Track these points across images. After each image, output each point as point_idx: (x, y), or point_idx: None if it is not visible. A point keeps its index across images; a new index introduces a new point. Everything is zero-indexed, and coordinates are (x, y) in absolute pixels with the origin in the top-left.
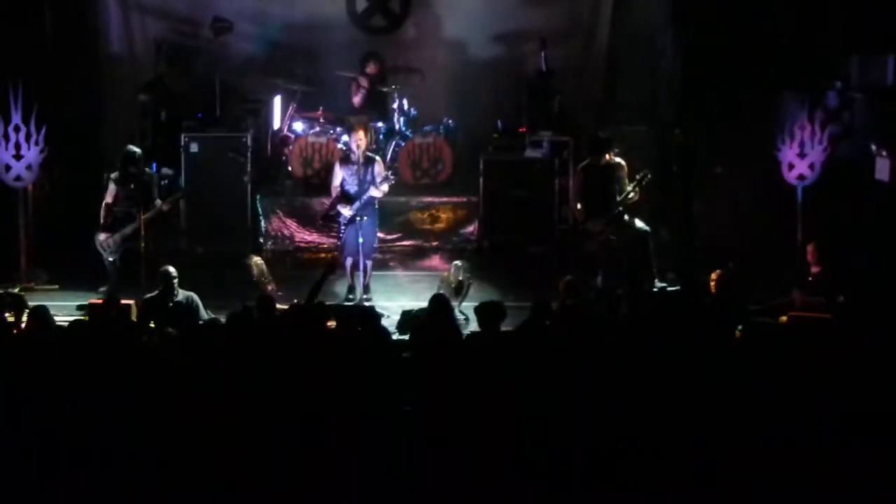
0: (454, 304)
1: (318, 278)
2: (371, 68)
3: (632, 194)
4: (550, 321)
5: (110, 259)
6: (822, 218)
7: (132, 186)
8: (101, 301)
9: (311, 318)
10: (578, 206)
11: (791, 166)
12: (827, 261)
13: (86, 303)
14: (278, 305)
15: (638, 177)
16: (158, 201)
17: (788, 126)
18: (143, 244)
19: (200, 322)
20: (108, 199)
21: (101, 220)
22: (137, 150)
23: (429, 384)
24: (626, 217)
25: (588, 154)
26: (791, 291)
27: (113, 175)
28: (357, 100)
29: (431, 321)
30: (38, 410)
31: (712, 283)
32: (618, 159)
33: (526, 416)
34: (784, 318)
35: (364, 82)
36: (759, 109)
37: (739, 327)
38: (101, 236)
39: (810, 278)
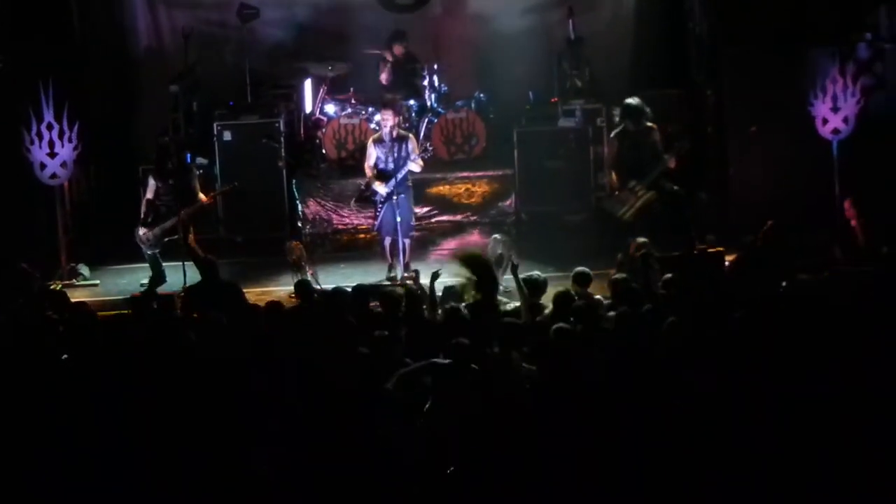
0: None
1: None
2: (398, 49)
3: (669, 163)
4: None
5: (150, 252)
6: (860, 171)
7: (171, 182)
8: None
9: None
10: (613, 174)
11: (825, 121)
12: (866, 214)
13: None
14: (317, 287)
15: (676, 145)
16: (201, 195)
17: (820, 80)
18: (182, 235)
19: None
20: (149, 194)
21: (142, 216)
22: (170, 143)
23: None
24: (662, 182)
25: (621, 121)
26: (831, 247)
27: (151, 170)
28: (384, 77)
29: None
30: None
31: (760, 236)
32: (650, 124)
33: None
34: (826, 273)
35: (388, 57)
36: (789, 65)
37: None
38: (141, 231)
39: (850, 232)
